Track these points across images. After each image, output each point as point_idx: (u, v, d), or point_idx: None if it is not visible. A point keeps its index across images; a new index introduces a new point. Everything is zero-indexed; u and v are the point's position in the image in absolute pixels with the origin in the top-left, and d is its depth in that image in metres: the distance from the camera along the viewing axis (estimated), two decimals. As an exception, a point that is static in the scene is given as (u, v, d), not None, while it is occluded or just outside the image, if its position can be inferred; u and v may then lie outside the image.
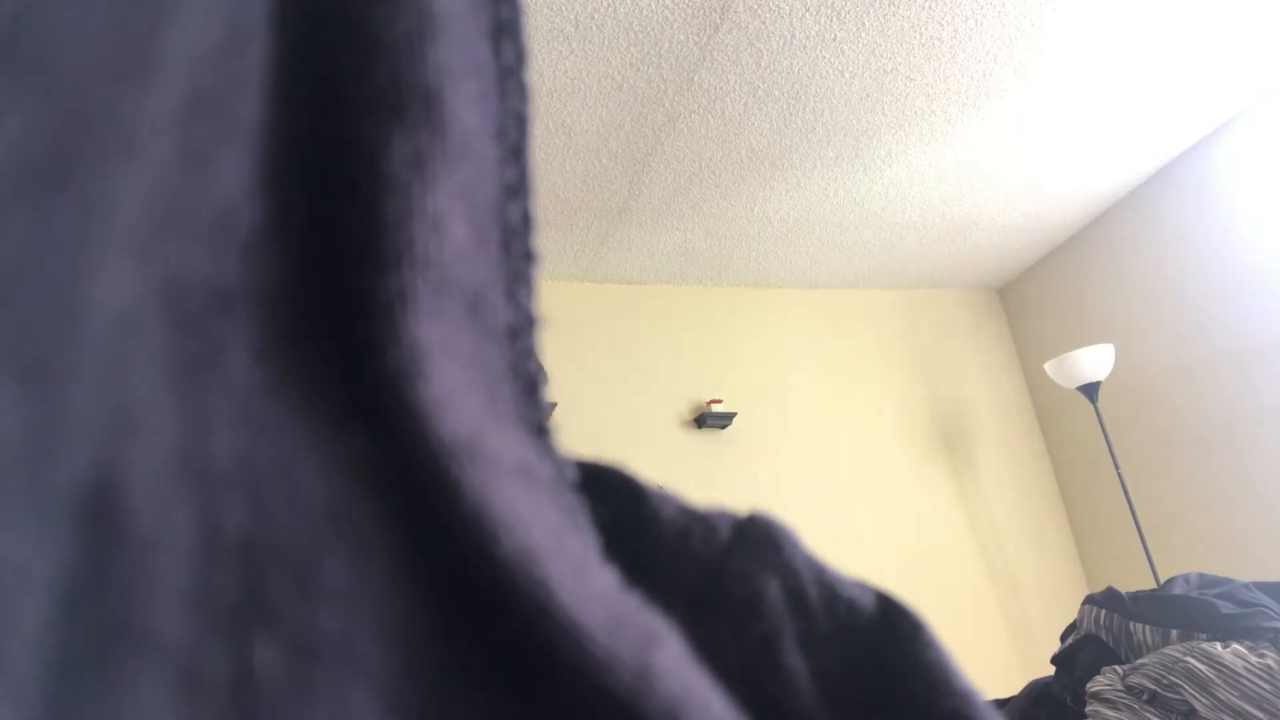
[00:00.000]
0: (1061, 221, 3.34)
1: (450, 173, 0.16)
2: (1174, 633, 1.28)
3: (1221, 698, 1.12)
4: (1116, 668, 1.29)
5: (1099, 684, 1.28)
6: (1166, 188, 3.07)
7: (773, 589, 0.18)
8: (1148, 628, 1.31)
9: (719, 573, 0.18)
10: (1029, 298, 3.71)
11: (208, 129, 0.12)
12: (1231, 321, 2.86)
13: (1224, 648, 1.18)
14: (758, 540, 0.19)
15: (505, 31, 0.18)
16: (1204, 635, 1.25)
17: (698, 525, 0.19)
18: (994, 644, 3.15)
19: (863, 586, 0.20)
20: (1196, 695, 1.14)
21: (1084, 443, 3.40)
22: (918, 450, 3.39)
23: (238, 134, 0.13)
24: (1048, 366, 3.08)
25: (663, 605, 0.15)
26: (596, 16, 2.06)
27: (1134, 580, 3.07)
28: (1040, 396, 3.66)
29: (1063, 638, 1.52)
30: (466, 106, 0.16)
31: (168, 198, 0.11)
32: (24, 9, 0.10)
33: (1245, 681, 1.12)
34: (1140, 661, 1.26)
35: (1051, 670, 1.52)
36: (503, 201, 0.18)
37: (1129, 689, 1.22)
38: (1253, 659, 1.14)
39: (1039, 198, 3.13)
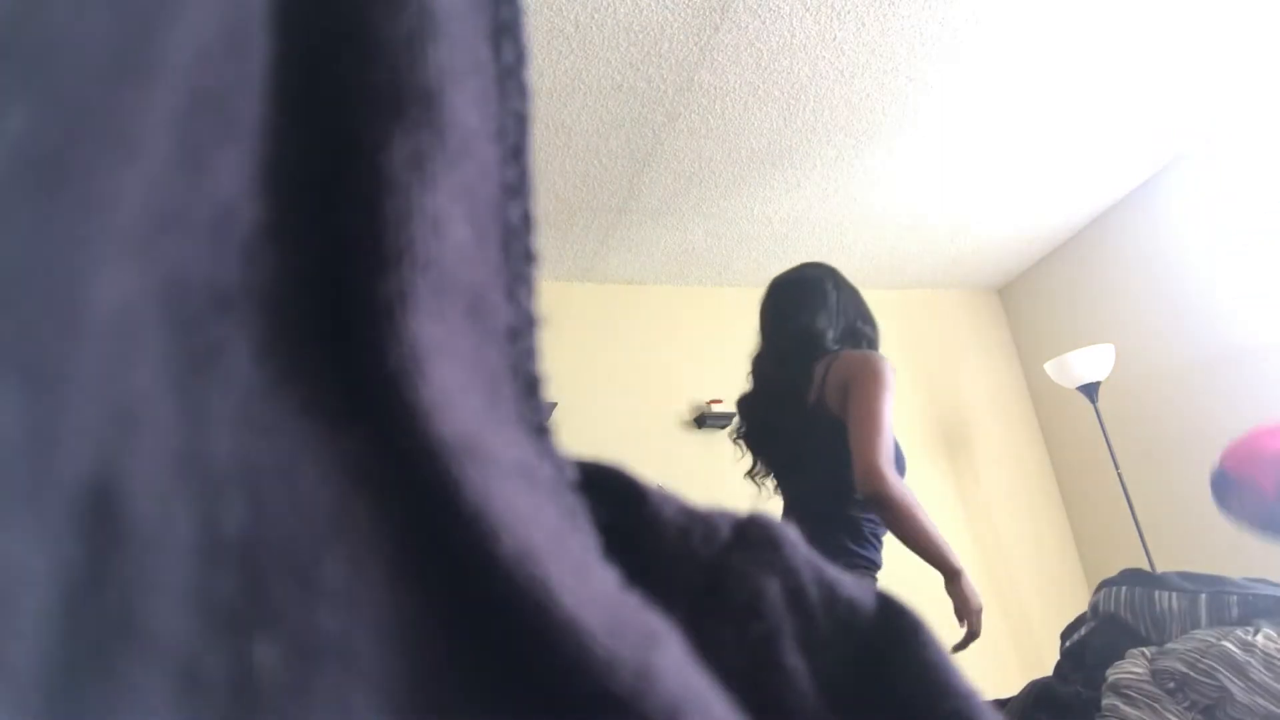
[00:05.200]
0: (1061, 222, 3.34)
1: (450, 173, 0.16)
2: (1203, 596, 1.28)
3: (1256, 679, 1.13)
4: (1144, 650, 1.27)
5: (1122, 671, 1.27)
6: (1166, 189, 3.07)
7: (773, 589, 0.18)
8: (1174, 594, 1.31)
9: (719, 573, 0.18)
10: (1029, 298, 3.71)
11: (208, 129, 0.12)
12: (1231, 322, 2.85)
13: (1255, 634, 1.19)
14: (758, 540, 0.19)
15: (505, 31, 0.18)
16: (1234, 596, 1.25)
17: (698, 525, 0.19)
18: (994, 644, 3.14)
19: (863, 586, 0.20)
20: (1232, 678, 1.15)
21: (1084, 443, 3.40)
22: (918, 450, 3.39)
23: (238, 134, 0.13)
24: (1048, 366, 3.08)
25: (663, 605, 0.15)
26: (596, 16, 2.06)
27: (1134, 580, 3.07)
28: (1040, 396, 3.66)
29: (1063, 637, 1.51)
30: (466, 106, 0.16)
31: (168, 197, 0.11)
32: (24, 8, 0.10)
33: (1278, 662, 1.14)
34: (1170, 646, 1.25)
35: (1051, 671, 1.51)
36: (503, 201, 0.18)
37: (1156, 674, 1.22)
38: None
39: (1039, 198, 3.13)
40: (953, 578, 1.44)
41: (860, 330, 1.63)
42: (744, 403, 1.69)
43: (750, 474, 1.69)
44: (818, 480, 1.51)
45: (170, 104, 0.11)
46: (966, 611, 1.45)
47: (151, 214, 0.11)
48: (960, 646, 1.47)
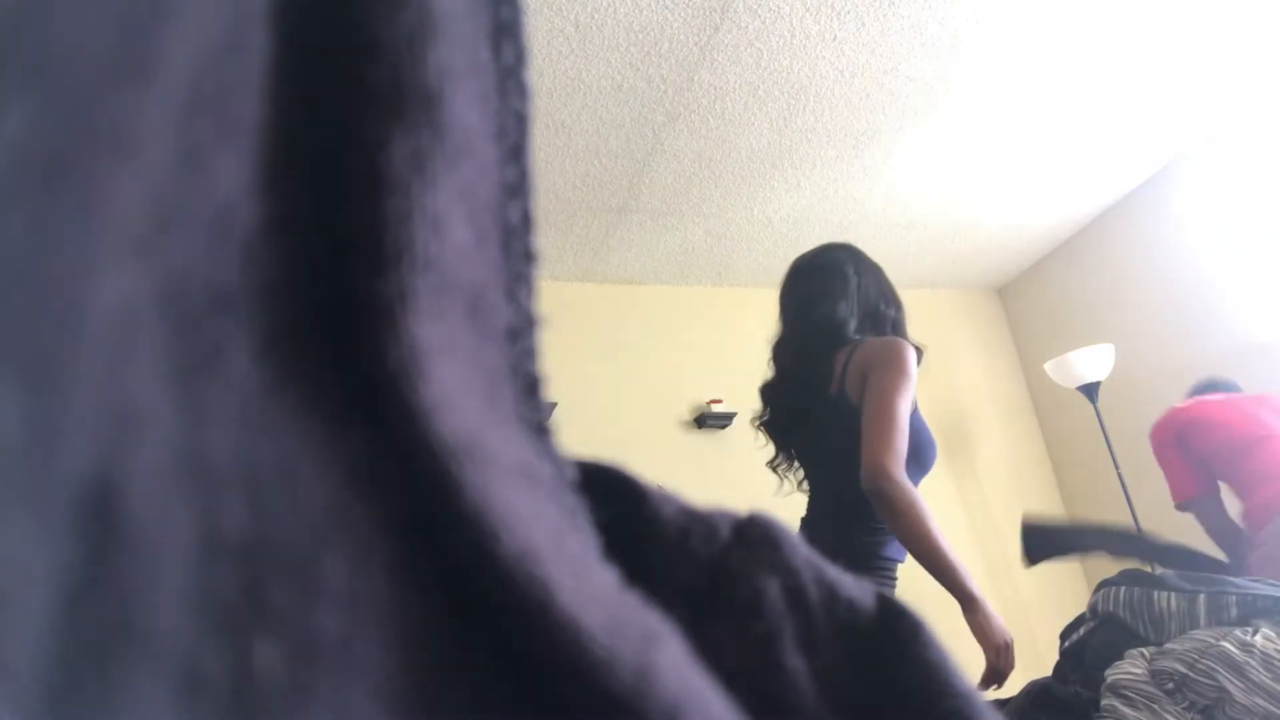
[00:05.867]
0: (1061, 222, 3.34)
1: (450, 173, 0.16)
2: (1201, 596, 1.27)
3: (1255, 679, 1.13)
4: (1143, 651, 1.27)
5: (1121, 671, 1.26)
6: (1166, 189, 3.07)
7: (773, 589, 0.18)
8: (1172, 594, 1.30)
9: (719, 572, 0.18)
10: (1029, 298, 3.70)
11: (208, 129, 0.12)
12: (1231, 322, 2.85)
13: (1254, 634, 1.19)
14: (757, 540, 0.19)
15: (505, 32, 0.18)
16: (1233, 596, 1.25)
17: (698, 525, 0.19)
18: (994, 644, 3.14)
19: (862, 586, 0.20)
20: (1231, 678, 1.15)
21: (1084, 443, 3.40)
22: (918, 450, 3.39)
23: (238, 134, 0.13)
24: (1048, 366, 3.08)
25: (663, 605, 0.15)
26: (596, 16, 2.06)
27: (1134, 580, 3.07)
28: (1040, 396, 3.66)
29: (1062, 637, 1.51)
30: (466, 106, 0.16)
31: (168, 198, 0.11)
32: (25, 9, 0.10)
33: (1277, 662, 1.14)
34: (1169, 646, 1.25)
35: (1051, 671, 1.51)
36: (503, 201, 0.18)
37: (1155, 674, 1.22)
38: None
39: (1039, 198, 3.13)
40: (967, 605, 1.34)
41: (883, 313, 1.56)
42: (766, 390, 1.61)
43: (772, 464, 1.62)
44: (840, 474, 1.44)
45: (170, 104, 0.11)
46: (986, 646, 1.34)
47: (151, 214, 0.11)
48: (982, 684, 1.36)
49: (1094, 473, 3.36)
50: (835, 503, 1.49)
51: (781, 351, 1.60)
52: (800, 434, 1.57)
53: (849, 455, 1.41)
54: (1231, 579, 1.32)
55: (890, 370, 1.40)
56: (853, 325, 1.52)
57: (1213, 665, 1.17)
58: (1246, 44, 2.41)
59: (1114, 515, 3.25)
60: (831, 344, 1.50)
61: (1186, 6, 2.23)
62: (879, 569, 1.43)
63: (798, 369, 1.53)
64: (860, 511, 1.44)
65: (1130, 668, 1.26)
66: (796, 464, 1.60)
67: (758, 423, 1.63)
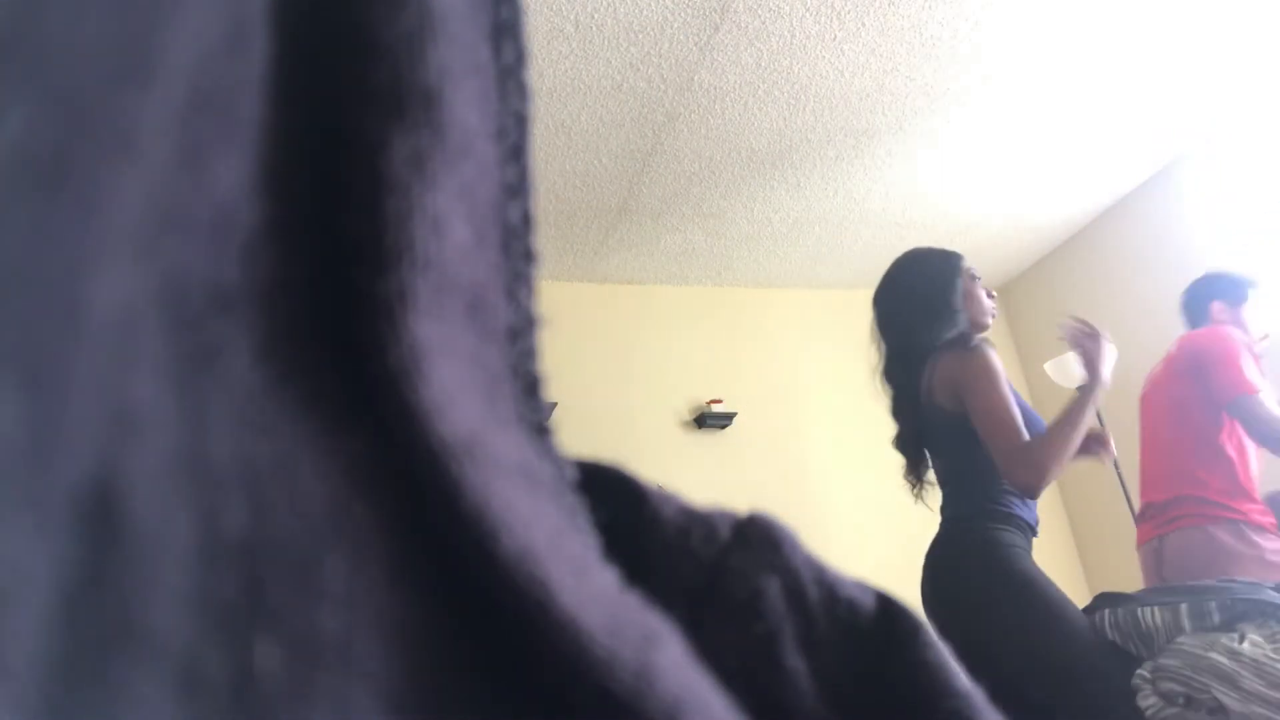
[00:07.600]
0: (1061, 222, 3.34)
1: (450, 173, 0.16)
2: (1184, 606, 1.28)
3: (1248, 688, 1.14)
4: (1142, 673, 1.28)
5: (1144, 704, 1.27)
6: (1166, 189, 3.07)
7: (773, 589, 0.18)
8: (1155, 609, 1.32)
9: (719, 573, 0.18)
10: (1029, 297, 3.70)
11: (208, 129, 0.12)
12: (1231, 321, 2.85)
13: (1240, 641, 1.19)
14: (757, 540, 0.19)
15: (505, 31, 0.18)
16: (1213, 602, 1.26)
17: (698, 525, 0.19)
18: (994, 644, 3.14)
19: (863, 587, 0.20)
20: (1226, 691, 1.15)
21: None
22: (918, 450, 3.39)
23: (238, 134, 0.13)
24: (1048, 366, 3.07)
25: (663, 605, 0.15)
26: (596, 16, 2.06)
27: (1134, 582, 3.07)
28: (1040, 396, 3.66)
29: None
30: (466, 106, 0.16)
31: (168, 198, 0.11)
32: (25, 9, 0.10)
33: (1267, 668, 1.14)
34: (1163, 663, 1.25)
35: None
36: (503, 201, 0.18)
37: (1164, 697, 1.22)
38: (1268, 647, 1.17)
39: (1038, 198, 3.13)
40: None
41: (936, 313, 1.77)
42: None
43: (905, 475, 1.85)
44: (948, 463, 1.73)
45: (170, 104, 0.11)
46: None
47: (151, 214, 0.11)
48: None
49: (1094, 473, 3.36)
50: (953, 480, 1.73)
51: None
52: (912, 442, 1.80)
53: (952, 449, 1.70)
54: (1207, 583, 1.34)
55: (973, 385, 1.67)
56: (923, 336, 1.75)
57: (1207, 681, 1.18)
58: (1246, 44, 2.41)
59: (1113, 514, 3.25)
60: (910, 361, 1.78)
61: (1186, 6, 2.23)
62: (1004, 525, 1.58)
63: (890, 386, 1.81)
64: (970, 482, 1.66)
65: (1143, 701, 1.27)
66: (921, 469, 1.83)
67: (893, 442, 1.85)
